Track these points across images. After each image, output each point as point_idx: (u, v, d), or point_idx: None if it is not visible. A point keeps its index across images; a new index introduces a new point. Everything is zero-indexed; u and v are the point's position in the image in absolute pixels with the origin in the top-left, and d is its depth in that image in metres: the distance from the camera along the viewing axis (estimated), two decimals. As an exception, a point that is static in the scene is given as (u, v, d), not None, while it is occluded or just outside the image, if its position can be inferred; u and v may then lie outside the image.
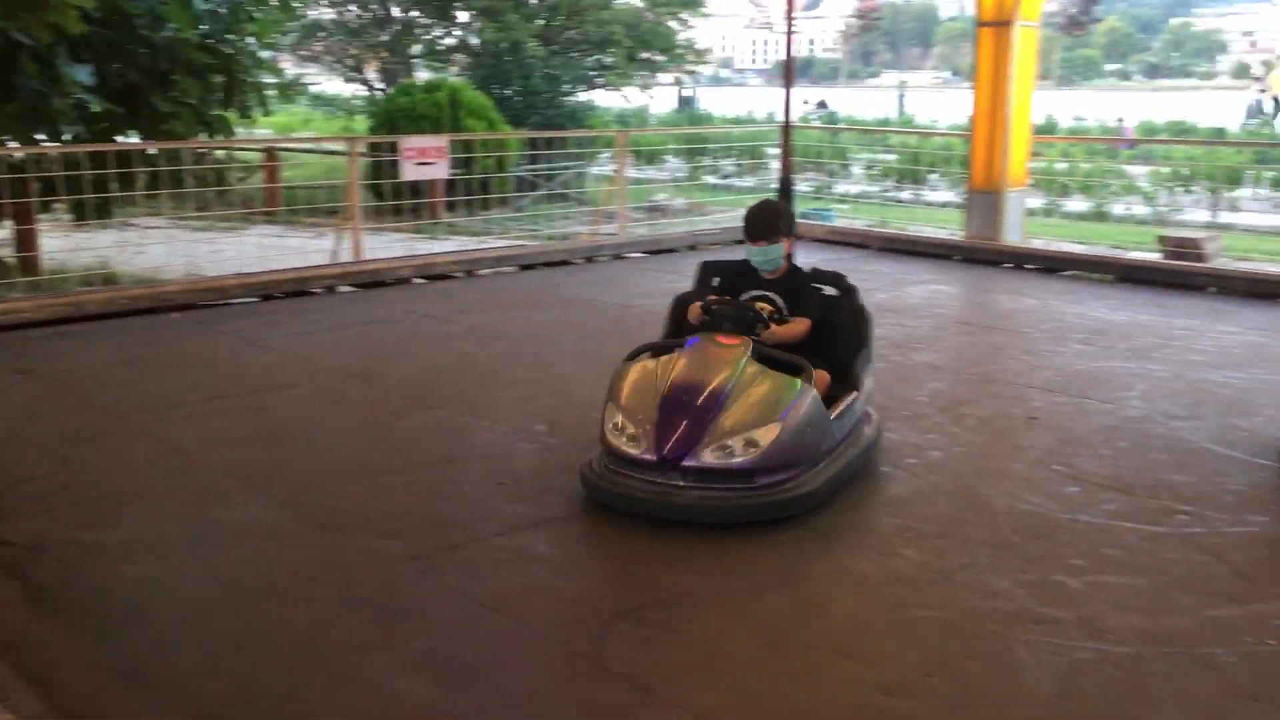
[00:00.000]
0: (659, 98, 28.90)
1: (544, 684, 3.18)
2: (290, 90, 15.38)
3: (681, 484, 4.14)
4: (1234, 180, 14.37)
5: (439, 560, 3.93)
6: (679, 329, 4.90)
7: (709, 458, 4.13)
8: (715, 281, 5.13)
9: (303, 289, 8.82)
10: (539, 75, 20.61)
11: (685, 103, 37.49)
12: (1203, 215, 13.91)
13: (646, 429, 4.21)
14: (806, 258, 10.67)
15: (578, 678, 3.22)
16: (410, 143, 9.92)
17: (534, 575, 3.83)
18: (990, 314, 8.77)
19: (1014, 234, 10.50)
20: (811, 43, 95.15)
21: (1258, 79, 46.27)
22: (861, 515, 4.42)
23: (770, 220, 4.86)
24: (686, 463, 4.13)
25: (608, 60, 22.84)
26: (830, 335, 4.85)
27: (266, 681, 3.15)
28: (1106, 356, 6.88)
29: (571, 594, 3.75)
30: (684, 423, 4.18)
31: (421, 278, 9.49)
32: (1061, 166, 15.81)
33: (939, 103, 35.01)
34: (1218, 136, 17.27)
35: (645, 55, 23.41)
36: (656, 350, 4.64)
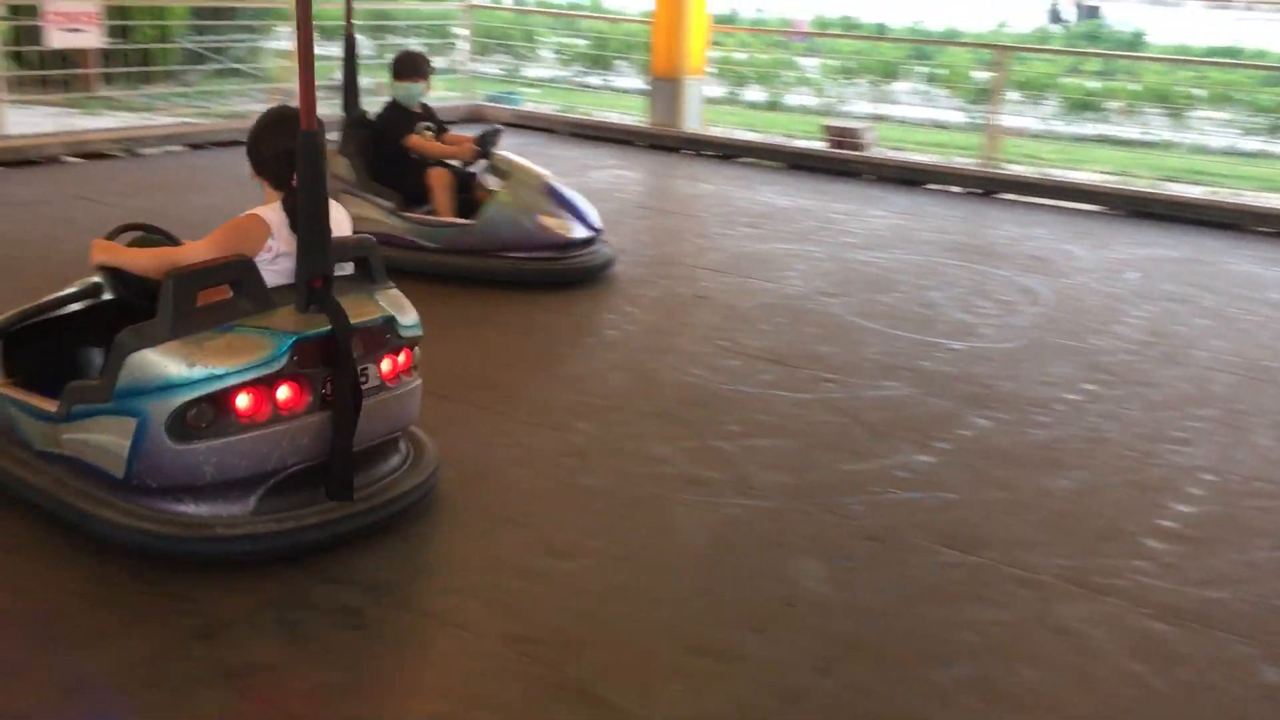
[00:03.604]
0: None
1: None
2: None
3: None
4: (891, 74, 15.45)
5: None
6: None
7: None
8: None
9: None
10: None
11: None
12: (864, 107, 14.88)
13: None
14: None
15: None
16: (54, 5, 8.99)
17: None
18: (668, 199, 9.10)
19: (693, 121, 10.87)
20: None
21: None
22: (540, 394, 4.57)
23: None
24: None
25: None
26: None
27: None
28: (771, 239, 7.33)
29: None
30: None
31: (75, 156, 8.73)
32: (740, 57, 16.40)
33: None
34: (879, 32, 18.43)
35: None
36: None
